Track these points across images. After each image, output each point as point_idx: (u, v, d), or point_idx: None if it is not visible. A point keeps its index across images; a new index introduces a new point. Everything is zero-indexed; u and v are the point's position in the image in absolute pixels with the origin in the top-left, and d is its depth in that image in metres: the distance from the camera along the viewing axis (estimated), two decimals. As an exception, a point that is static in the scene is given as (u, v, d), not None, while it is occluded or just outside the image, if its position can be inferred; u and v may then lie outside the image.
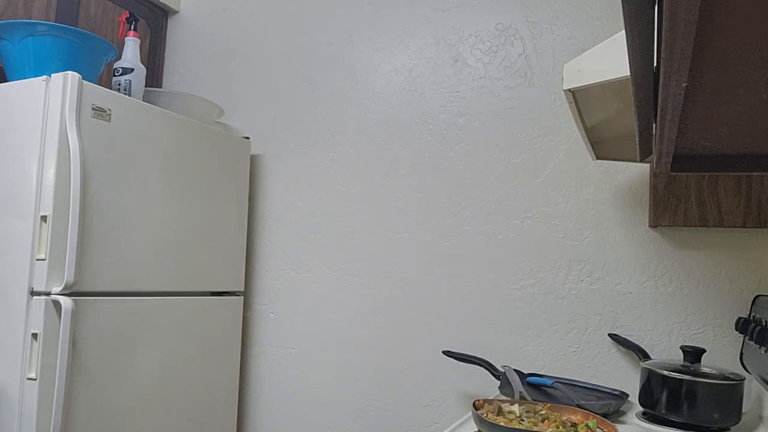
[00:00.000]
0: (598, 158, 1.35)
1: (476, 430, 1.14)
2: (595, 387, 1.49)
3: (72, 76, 1.41)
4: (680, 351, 1.34)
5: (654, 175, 1.44)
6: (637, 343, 1.53)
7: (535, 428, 1.11)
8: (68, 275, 1.37)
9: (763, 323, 1.22)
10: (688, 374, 1.26)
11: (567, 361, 1.62)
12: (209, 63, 2.24)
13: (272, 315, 2.03)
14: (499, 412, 1.19)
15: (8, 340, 1.39)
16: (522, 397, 1.35)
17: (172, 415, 1.69)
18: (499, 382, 1.51)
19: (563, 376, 1.59)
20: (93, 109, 1.47)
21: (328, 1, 2.05)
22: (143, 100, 1.73)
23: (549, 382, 1.43)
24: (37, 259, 1.38)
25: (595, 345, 1.60)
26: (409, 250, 1.84)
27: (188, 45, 2.30)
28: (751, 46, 0.40)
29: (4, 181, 1.45)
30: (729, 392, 1.23)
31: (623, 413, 1.39)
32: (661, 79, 0.43)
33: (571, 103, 1.04)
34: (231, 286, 1.94)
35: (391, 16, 1.94)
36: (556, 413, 1.20)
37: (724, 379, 1.24)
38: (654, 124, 0.60)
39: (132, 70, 1.73)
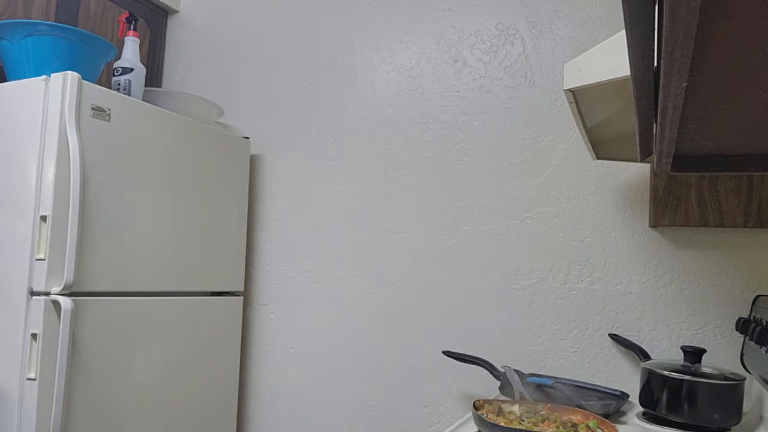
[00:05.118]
0: (598, 158, 1.35)
1: (476, 430, 1.14)
2: (595, 387, 1.49)
3: (72, 75, 1.41)
4: (681, 351, 1.34)
5: (654, 175, 1.44)
6: (638, 343, 1.53)
7: (535, 428, 1.11)
8: (68, 275, 1.37)
9: (764, 323, 1.22)
10: (688, 374, 1.26)
11: (567, 361, 1.62)
12: (209, 63, 2.24)
13: (272, 315, 2.03)
14: (500, 412, 1.19)
15: (8, 340, 1.39)
16: (522, 398, 1.35)
17: (172, 415, 1.69)
18: (499, 382, 1.51)
19: (563, 377, 1.59)
20: (93, 108, 1.47)
21: (328, 1, 2.05)
22: (143, 100, 1.73)
23: (549, 382, 1.43)
24: (37, 259, 1.38)
25: (595, 345, 1.59)
26: (409, 250, 1.84)
27: (188, 45, 2.29)
28: (751, 46, 0.40)
29: (3, 181, 1.45)
30: (729, 392, 1.23)
31: (623, 413, 1.39)
32: (662, 79, 0.43)
33: (571, 103, 1.04)
34: (231, 286, 1.94)
35: (391, 16, 1.94)
36: (556, 413, 1.20)
37: (724, 380, 1.24)
38: (654, 124, 0.60)
39: (132, 69, 1.73)
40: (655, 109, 0.54)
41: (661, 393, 1.28)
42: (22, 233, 1.40)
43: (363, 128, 1.94)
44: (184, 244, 1.74)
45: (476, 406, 1.18)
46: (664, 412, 1.27)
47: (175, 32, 2.33)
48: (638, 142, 0.72)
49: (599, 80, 0.94)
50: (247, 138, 2.03)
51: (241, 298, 1.99)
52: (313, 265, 1.98)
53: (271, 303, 2.03)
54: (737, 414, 1.24)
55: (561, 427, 1.12)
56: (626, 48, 0.46)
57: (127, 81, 1.72)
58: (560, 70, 1.69)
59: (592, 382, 1.55)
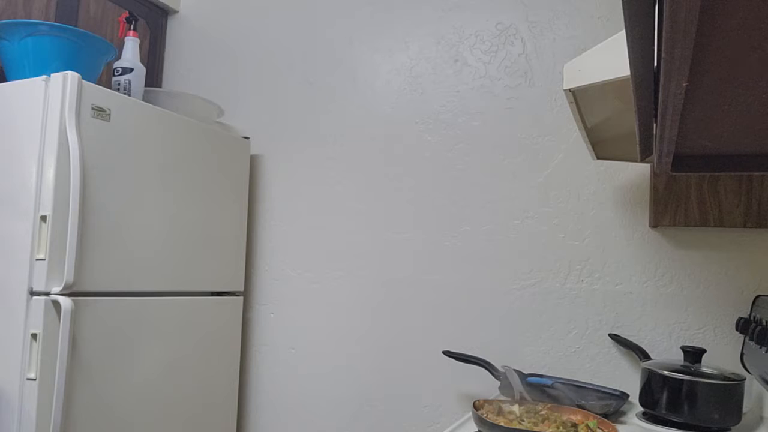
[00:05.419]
0: (598, 158, 1.35)
1: (476, 430, 1.14)
2: (595, 387, 1.49)
3: (72, 75, 1.41)
4: (681, 351, 1.34)
5: (654, 175, 1.44)
6: (638, 343, 1.53)
7: (535, 428, 1.11)
8: (68, 275, 1.37)
9: (764, 323, 1.22)
10: (688, 374, 1.26)
11: (567, 362, 1.62)
12: (209, 63, 2.24)
13: (272, 315, 2.03)
14: (500, 412, 1.19)
15: (8, 340, 1.39)
16: (522, 398, 1.35)
17: (172, 416, 1.69)
18: (499, 382, 1.50)
19: (563, 377, 1.59)
20: (93, 108, 1.47)
21: (328, 1, 2.05)
22: (143, 100, 1.73)
23: (549, 382, 1.43)
24: (37, 259, 1.38)
25: (595, 345, 1.59)
26: (409, 250, 1.84)
27: (188, 45, 2.29)
28: (751, 46, 0.40)
29: (3, 181, 1.45)
30: (729, 392, 1.23)
31: (623, 413, 1.39)
32: (662, 79, 0.43)
33: (571, 103, 1.03)
34: (231, 286, 1.94)
35: (391, 16, 1.94)
36: (556, 413, 1.20)
37: (724, 379, 1.24)
38: (654, 124, 0.60)
39: (132, 69, 1.73)
40: (655, 109, 0.54)
41: (661, 393, 1.28)
42: (22, 233, 1.40)
43: (363, 128, 1.94)
44: (184, 244, 1.74)
45: (476, 406, 1.18)
46: (664, 412, 1.27)
47: (175, 32, 2.33)
48: (638, 142, 0.72)
49: (599, 80, 0.94)
50: (247, 138, 2.03)
51: (241, 298, 1.99)
52: (313, 265, 1.97)
53: (271, 303, 2.03)
54: (737, 414, 1.24)
55: (561, 427, 1.12)
56: (626, 48, 0.46)
57: (127, 81, 1.72)
58: (560, 70, 1.69)
59: (592, 382, 1.55)
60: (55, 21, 1.86)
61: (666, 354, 1.52)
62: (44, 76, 1.43)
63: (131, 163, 1.57)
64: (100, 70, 1.70)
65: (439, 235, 1.80)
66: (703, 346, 1.45)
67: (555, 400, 1.37)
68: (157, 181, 1.65)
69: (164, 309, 1.67)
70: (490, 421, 1.10)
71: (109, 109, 1.51)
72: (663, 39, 0.36)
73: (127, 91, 1.71)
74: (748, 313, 1.44)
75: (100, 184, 1.49)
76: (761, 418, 1.39)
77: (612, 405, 1.33)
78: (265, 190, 2.08)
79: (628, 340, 1.52)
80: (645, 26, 0.42)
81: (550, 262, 1.66)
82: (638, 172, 1.58)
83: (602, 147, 1.34)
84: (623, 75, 0.90)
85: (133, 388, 1.56)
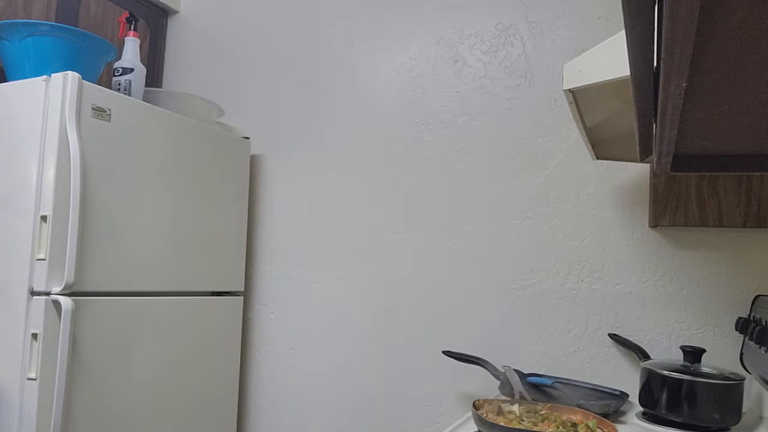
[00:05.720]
0: (598, 158, 1.35)
1: (476, 430, 1.14)
2: (595, 387, 1.49)
3: (72, 76, 1.41)
4: (680, 351, 1.34)
5: (654, 175, 1.44)
6: (637, 343, 1.53)
7: (535, 428, 1.11)
8: (68, 275, 1.37)
9: (763, 323, 1.22)
10: (688, 374, 1.26)
11: (567, 361, 1.62)
12: (209, 63, 2.24)
13: (272, 315, 2.03)
14: (499, 412, 1.19)
15: (8, 340, 1.39)
16: (522, 397, 1.35)
17: (172, 416, 1.69)
18: (499, 382, 1.51)
19: (563, 376, 1.59)
20: (93, 109, 1.47)
21: (328, 1, 2.05)
22: (143, 100, 1.73)
23: (549, 382, 1.43)
24: (37, 259, 1.38)
25: (595, 345, 1.60)
26: (409, 250, 1.84)
27: (188, 45, 2.29)
28: (751, 47, 0.40)
29: (4, 181, 1.45)
30: (729, 392, 1.23)
31: (623, 413, 1.39)
32: (661, 79, 0.43)
33: (571, 103, 1.04)
34: (231, 286, 1.94)
35: (391, 16, 1.94)
36: (556, 413, 1.20)
37: (724, 379, 1.24)
38: (654, 124, 0.60)
39: (132, 70, 1.73)
40: (655, 109, 0.54)
41: (660, 393, 1.28)
42: (22, 233, 1.40)
43: (363, 128, 1.94)
44: (184, 244, 1.74)
45: (476, 406, 1.18)
46: (663, 411, 1.27)
47: (175, 32, 2.33)
48: (638, 142, 0.72)
49: (599, 80, 0.94)
50: (247, 138, 2.03)
51: (241, 298, 1.99)
52: (313, 265, 1.98)
53: (271, 303, 2.03)
54: (737, 414, 1.25)
55: (561, 427, 1.12)
56: (626, 48, 0.46)
57: (128, 81, 1.72)
58: (560, 70, 1.70)
59: (591, 382, 1.55)
60: (56, 21, 1.86)
61: (666, 354, 1.52)
62: (44, 76, 1.43)
63: (131, 163, 1.57)
64: (101, 70, 1.70)
65: (439, 235, 1.80)
66: (703, 346, 1.45)
67: (555, 399, 1.37)
68: (157, 181, 1.65)
69: (164, 309, 1.67)
70: (489, 420, 1.10)
71: (110, 109, 1.51)
72: (663, 39, 0.36)
73: (128, 91, 1.71)
74: (748, 313, 1.44)
75: (100, 184, 1.49)
76: (761, 417, 1.39)
77: (612, 405, 1.33)
78: (265, 190, 2.08)
79: (627, 340, 1.52)
80: (645, 26, 0.42)
81: (550, 262, 1.66)
82: (638, 172, 1.58)
83: (602, 147, 1.34)
84: (623, 75, 0.90)
85: (133, 388, 1.57)
